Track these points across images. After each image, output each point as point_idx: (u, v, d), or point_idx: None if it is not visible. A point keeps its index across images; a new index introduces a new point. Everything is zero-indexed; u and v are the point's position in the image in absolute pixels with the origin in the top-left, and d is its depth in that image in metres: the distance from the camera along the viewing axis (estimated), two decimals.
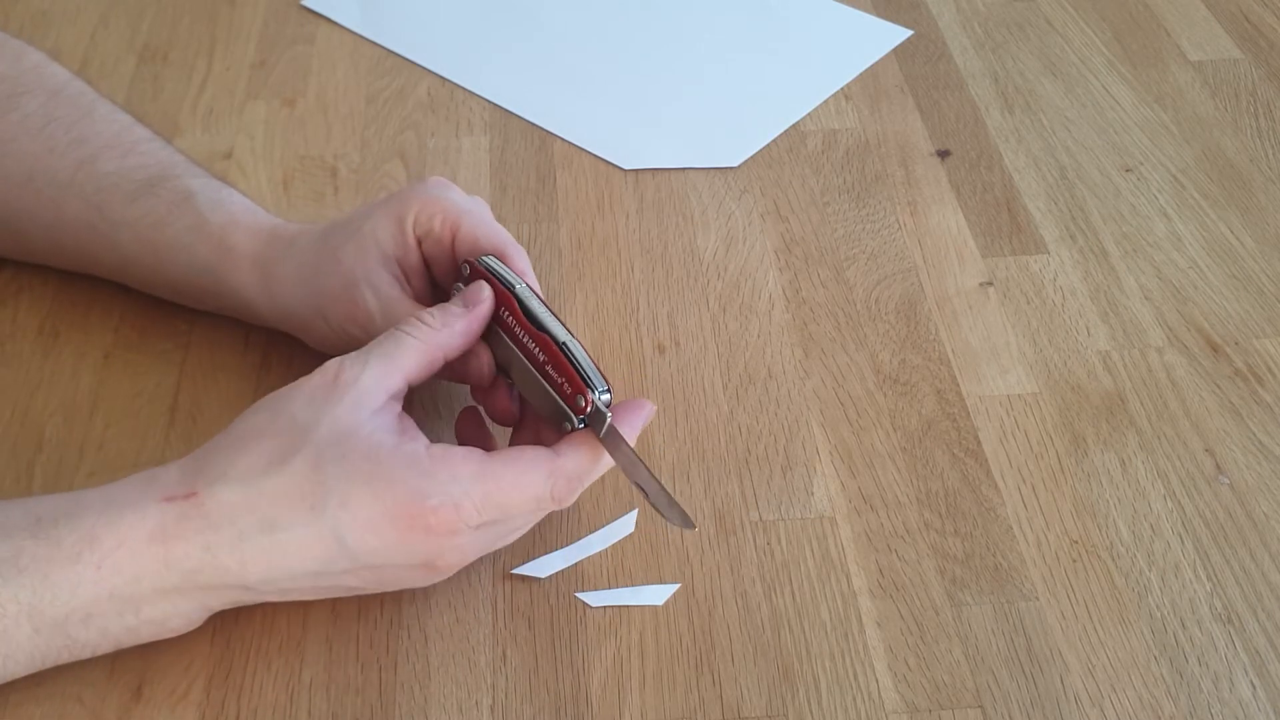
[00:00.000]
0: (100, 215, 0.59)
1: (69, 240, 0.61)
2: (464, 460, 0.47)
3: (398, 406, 0.49)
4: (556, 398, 0.50)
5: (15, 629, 0.45)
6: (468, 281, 0.53)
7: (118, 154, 0.60)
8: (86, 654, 0.47)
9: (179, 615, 0.47)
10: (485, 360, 0.53)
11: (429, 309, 0.51)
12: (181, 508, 0.46)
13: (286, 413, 0.47)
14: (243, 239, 0.57)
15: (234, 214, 0.58)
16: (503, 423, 0.55)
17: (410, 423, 0.49)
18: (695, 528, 0.53)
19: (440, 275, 0.56)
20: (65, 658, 0.47)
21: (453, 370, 0.53)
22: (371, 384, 0.47)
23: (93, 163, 0.60)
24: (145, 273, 0.60)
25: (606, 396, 0.49)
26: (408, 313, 0.53)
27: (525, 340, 0.51)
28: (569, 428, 0.49)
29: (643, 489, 0.49)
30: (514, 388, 0.53)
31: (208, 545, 0.46)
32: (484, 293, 0.52)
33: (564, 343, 0.50)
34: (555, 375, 0.50)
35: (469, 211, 0.55)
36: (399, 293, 0.55)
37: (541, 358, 0.50)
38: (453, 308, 0.51)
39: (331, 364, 0.48)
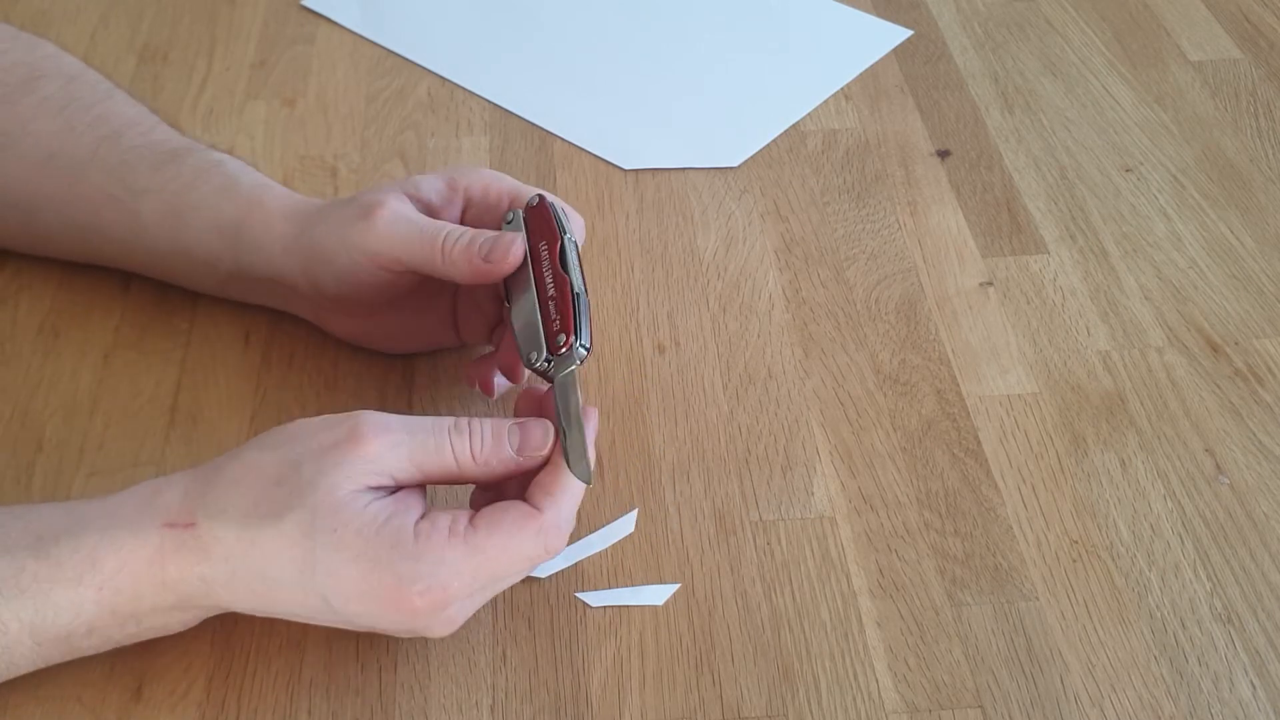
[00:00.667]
0: (122, 185, 0.59)
1: (85, 216, 0.61)
2: (449, 541, 0.45)
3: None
4: (540, 329, 0.51)
5: (17, 644, 0.45)
6: (528, 211, 0.54)
7: (141, 130, 0.61)
8: (88, 654, 0.47)
9: (179, 623, 0.48)
10: (518, 249, 0.53)
11: (483, 421, 0.49)
12: (181, 536, 0.46)
13: (293, 462, 0.46)
14: (275, 198, 0.59)
15: (266, 180, 0.60)
16: (483, 389, 0.57)
17: (408, 490, 0.48)
18: (591, 484, 0.50)
19: None
20: (67, 659, 0.47)
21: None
22: (386, 467, 0.46)
23: (116, 139, 0.60)
24: (161, 240, 0.60)
25: (584, 351, 0.50)
26: (430, 224, 0.54)
27: (546, 275, 0.52)
28: (534, 359, 0.50)
29: (563, 432, 0.49)
30: (496, 356, 0.55)
31: (203, 577, 0.46)
32: (547, 442, 0.49)
33: (578, 292, 0.51)
34: (553, 311, 0.51)
35: (525, 187, 0.56)
36: (423, 219, 0.55)
37: (551, 292, 0.51)
38: (505, 449, 0.48)
39: (361, 420, 0.47)
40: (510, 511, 0.47)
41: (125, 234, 0.61)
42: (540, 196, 0.55)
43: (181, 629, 0.48)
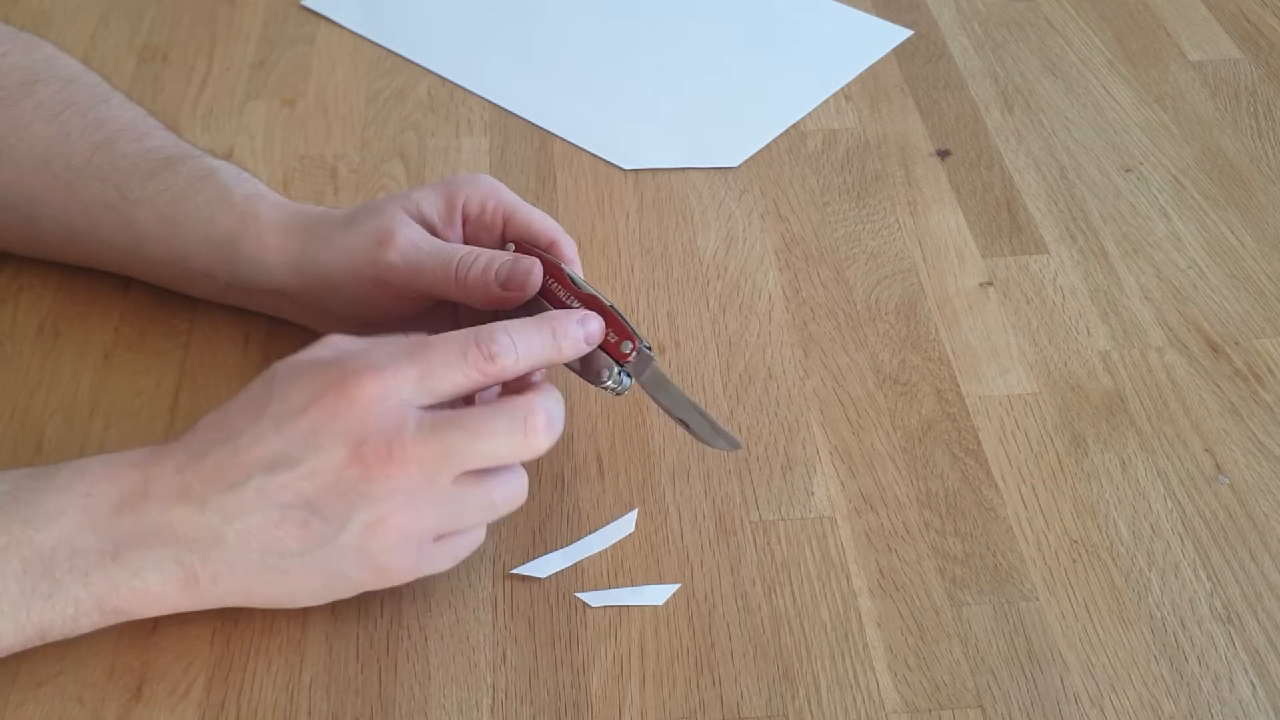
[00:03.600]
0: (118, 193, 0.60)
1: (82, 222, 0.61)
2: (398, 338, 0.48)
3: None
4: (596, 350, 0.52)
5: (4, 565, 0.45)
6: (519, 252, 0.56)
7: (135, 136, 0.61)
8: (70, 613, 0.47)
9: (155, 568, 0.47)
10: (536, 273, 0.54)
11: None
12: (166, 443, 0.49)
13: (267, 376, 0.49)
14: (268, 209, 0.58)
15: (259, 189, 0.60)
16: None
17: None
18: (741, 447, 0.54)
19: None
20: (52, 617, 0.46)
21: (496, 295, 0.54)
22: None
23: (110, 145, 0.60)
24: (158, 249, 0.60)
25: (649, 350, 0.52)
26: (443, 250, 0.55)
27: (570, 302, 0.53)
28: (605, 378, 0.52)
29: (686, 424, 0.52)
30: None
31: (178, 465, 0.47)
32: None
33: (611, 304, 0.53)
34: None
35: (521, 204, 0.57)
36: (430, 243, 0.56)
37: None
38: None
39: (332, 340, 0.50)
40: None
41: (123, 242, 0.61)
42: (515, 244, 0.56)
43: (160, 591, 0.47)
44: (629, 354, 0.52)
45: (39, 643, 0.47)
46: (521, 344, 0.49)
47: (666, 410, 0.52)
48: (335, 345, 0.49)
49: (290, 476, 0.47)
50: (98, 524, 0.46)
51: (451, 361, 0.48)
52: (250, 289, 0.60)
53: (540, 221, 0.56)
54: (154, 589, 0.48)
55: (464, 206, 0.57)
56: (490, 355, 0.48)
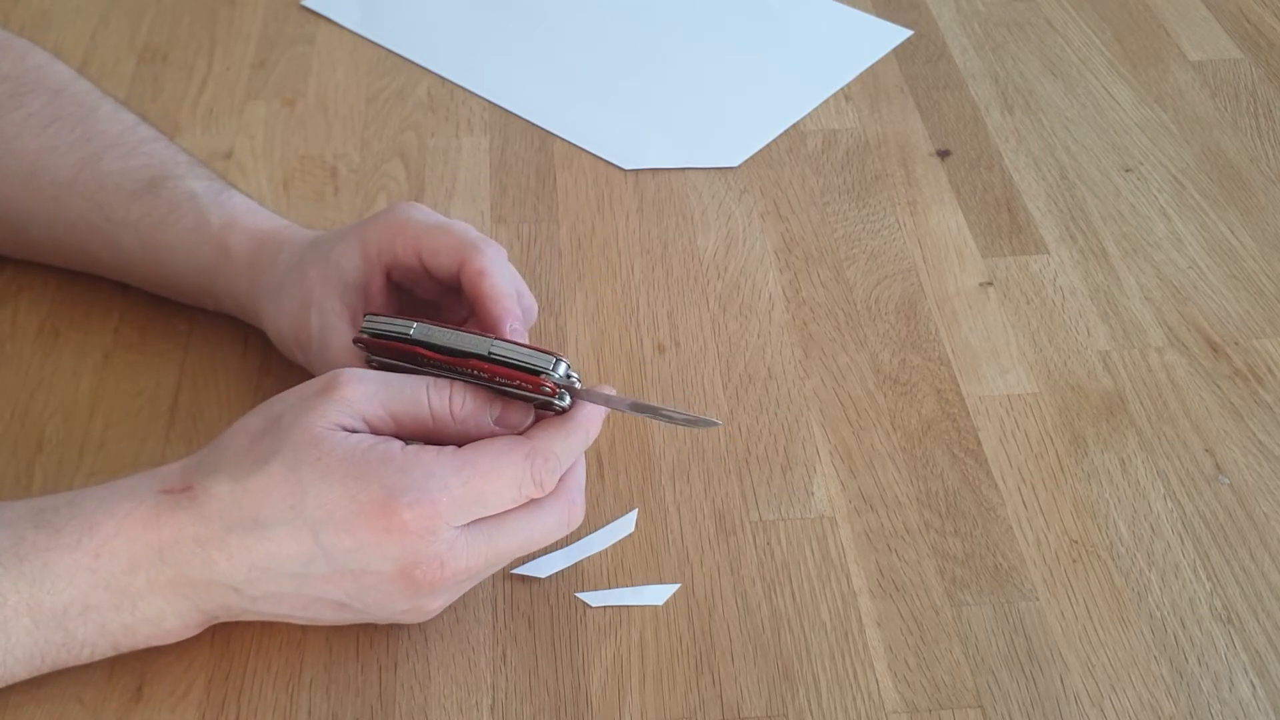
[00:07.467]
0: (103, 215, 0.59)
1: (70, 239, 0.61)
2: (438, 455, 0.46)
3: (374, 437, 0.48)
4: (526, 396, 0.49)
5: (15, 621, 0.45)
6: (368, 345, 0.51)
7: (121, 153, 0.61)
8: (86, 654, 0.47)
9: (175, 615, 0.47)
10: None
11: (465, 385, 0.48)
12: (177, 499, 0.46)
13: (275, 415, 0.47)
14: (239, 241, 0.58)
15: (234, 215, 0.59)
16: None
17: (387, 437, 0.48)
18: (720, 424, 0.51)
19: (425, 294, 0.56)
20: (65, 658, 0.47)
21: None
22: (358, 410, 0.47)
23: (96, 162, 0.60)
24: (147, 271, 0.61)
25: (563, 366, 0.48)
26: (340, 344, 0.53)
27: (463, 370, 0.49)
28: (558, 408, 0.49)
29: (656, 414, 0.49)
30: None
31: (197, 538, 0.46)
32: (525, 421, 0.49)
33: (489, 353, 0.48)
34: (507, 383, 0.48)
35: (429, 228, 0.54)
36: (343, 324, 0.54)
37: (484, 377, 0.49)
38: (484, 417, 0.48)
39: (339, 371, 0.48)
40: (501, 437, 0.48)
41: (110, 261, 0.61)
42: (359, 336, 0.51)
43: (179, 633, 0.48)
44: (551, 391, 0.48)
45: (51, 670, 0.47)
46: (565, 459, 0.48)
47: (629, 411, 0.49)
48: (356, 435, 0.46)
49: (329, 572, 0.46)
50: (111, 582, 0.46)
51: (504, 491, 0.47)
52: (236, 314, 0.60)
53: (447, 248, 0.53)
54: (173, 629, 0.48)
55: (379, 256, 0.54)
56: (542, 485, 0.48)
